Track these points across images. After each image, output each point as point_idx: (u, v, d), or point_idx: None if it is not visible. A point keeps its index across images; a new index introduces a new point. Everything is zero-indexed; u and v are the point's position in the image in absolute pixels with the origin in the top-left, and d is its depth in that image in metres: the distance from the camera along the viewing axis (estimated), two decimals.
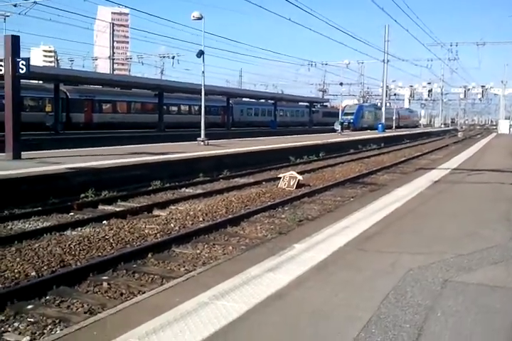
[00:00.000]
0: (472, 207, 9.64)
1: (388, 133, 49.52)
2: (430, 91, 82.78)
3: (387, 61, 55.41)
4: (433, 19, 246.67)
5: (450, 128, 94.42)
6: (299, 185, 14.48)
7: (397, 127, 65.87)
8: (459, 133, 67.76)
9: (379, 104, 74.83)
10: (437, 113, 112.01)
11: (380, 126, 54.21)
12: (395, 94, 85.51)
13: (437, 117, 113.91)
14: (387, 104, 63.93)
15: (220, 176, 17.07)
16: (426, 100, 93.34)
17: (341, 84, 54.63)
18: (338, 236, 6.96)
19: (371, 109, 70.01)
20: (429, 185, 12.56)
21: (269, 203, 11.92)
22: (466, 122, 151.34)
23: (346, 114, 61.63)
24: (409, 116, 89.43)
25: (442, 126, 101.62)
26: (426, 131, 70.55)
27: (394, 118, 64.57)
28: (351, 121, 61.24)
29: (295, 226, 9.05)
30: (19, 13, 24.41)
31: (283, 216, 10.65)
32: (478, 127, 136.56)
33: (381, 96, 63.88)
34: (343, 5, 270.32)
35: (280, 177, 14.93)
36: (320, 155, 25.50)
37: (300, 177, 14.77)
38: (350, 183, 16.12)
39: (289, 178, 14.57)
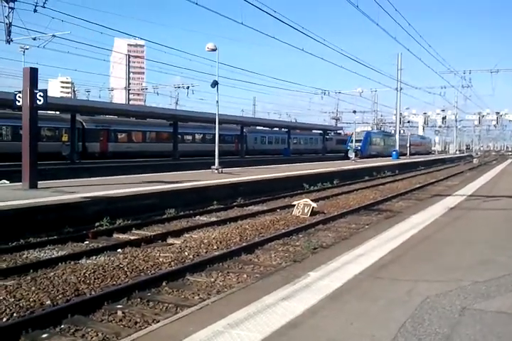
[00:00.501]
0: (488, 234, 9.53)
1: (403, 160, 49.36)
2: (444, 118, 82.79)
3: (401, 89, 55.66)
4: (445, 46, 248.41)
5: (465, 154, 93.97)
6: (314, 213, 14.42)
7: (403, 154, 65.16)
8: (474, 159, 67.41)
9: (393, 131, 74.67)
10: (452, 139, 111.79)
11: (394, 153, 54.09)
12: (408, 122, 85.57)
13: (452, 144, 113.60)
14: (401, 131, 63.24)
15: (234, 204, 17.06)
16: (440, 127, 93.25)
17: (354, 112, 55.08)
18: (354, 264, 6.90)
19: (379, 136, 69.03)
20: (445, 212, 12.46)
21: (284, 231, 11.89)
22: (481, 148, 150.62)
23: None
24: (420, 143, 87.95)
25: (457, 152, 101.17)
26: (441, 157, 70.24)
27: (408, 145, 64.11)
28: (359, 148, 59.14)
29: (310, 254, 8.98)
30: (38, 46, 24.99)
31: (297, 243, 10.59)
32: (493, 153, 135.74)
33: (395, 123, 63.85)
34: (355, 34, 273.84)
35: (294, 205, 14.91)
36: (334, 182, 25.44)
37: (314, 204, 14.73)
38: (365, 210, 16.03)
39: (303, 206, 14.53)
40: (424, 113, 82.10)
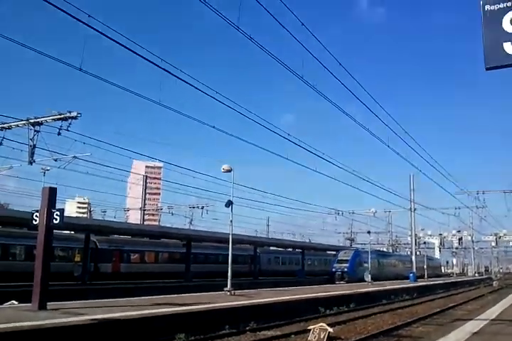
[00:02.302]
0: None
1: (420, 283, 48.02)
2: (460, 239, 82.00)
3: (414, 209, 55.78)
4: (457, 167, 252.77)
5: (484, 277, 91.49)
6: (330, 338, 13.83)
7: (406, 277, 55.70)
8: (494, 282, 65.43)
9: (408, 253, 73.07)
10: (469, 261, 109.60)
11: (411, 275, 52.34)
12: (424, 243, 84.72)
13: (470, 266, 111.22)
14: (413, 253, 60.53)
15: (247, 328, 16.42)
16: (457, 248, 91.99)
17: (369, 232, 54.18)
18: None
19: (372, 256, 55.72)
20: (468, 337, 11.88)
21: None
22: (501, 270, 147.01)
23: (340, 261, 53.22)
24: (428, 264, 72.58)
25: (476, 274, 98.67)
26: (459, 280, 68.32)
27: (424, 266, 62.11)
28: (345, 269, 51.47)
29: None
30: (59, 167, 25.73)
31: None
32: None
33: (410, 244, 62.91)
34: (369, 155, 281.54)
35: (310, 330, 14.31)
36: (351, 305, 24.65)
37: (330, 329, 14.15)
38: (384, 336, 15.34)
39: (319, 331, 13.95)
40: (440, 234, 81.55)
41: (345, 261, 52.49)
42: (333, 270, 52.45)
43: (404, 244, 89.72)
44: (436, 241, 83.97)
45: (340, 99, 21.40)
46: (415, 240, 60.57)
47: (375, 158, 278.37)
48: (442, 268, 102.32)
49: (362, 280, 46.93)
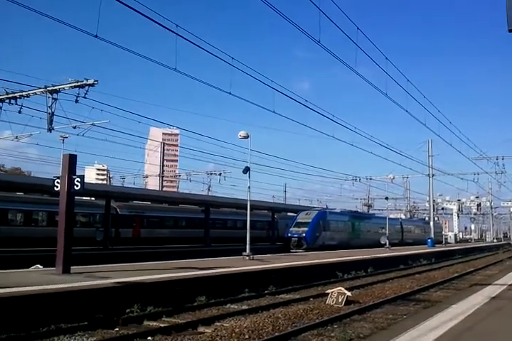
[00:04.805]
0: None
1: (438, 248, 48.17)
2: (479, 205, 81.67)
3: (433, 175, 55.39)
4: (477, 132, 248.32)
5: (503, 242, 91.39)
6: (348, 302, 13.98)
7: (396, 244, 49.90)
8: None
9: (427, 218, 72.75)
10: (488, 227, 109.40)
11: (429, 240, 52.12)
12: (442, 209, 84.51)
13: (488, 232, 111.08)
14: (431, 218, 59.66)
15: (266, 292, 16.71)
16: (475, 214, 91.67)
17: (386, 198, 53.92)
18: None
19: (339, 218, 49.21)
20: (486, 302, 11.97)
21: (317, 321, 11.47)
22: None
23: (299, 225, 43.90)
24: (423, 229, 66.27)
25: (494, 240, 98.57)
26: (477, 245, 68.35)
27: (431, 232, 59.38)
28: (303, 235, 42.29)
29: None
30: (77, 134, 25.86)
31: (332, 334, 10.17)
32: None
33: (428, 210, 62.61)
34: (385, 120, 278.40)
35: (328, 293, 14.50)
36: (368, 270, 24.86)
37: (349, 293, 14.31)
38: (402, 300, 15.45)
39: (337, 294, 14.12)
40: (458, 200, 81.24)
41: (305, 224, 43.26)
42: (288, 235, 43.52)
43: (422, 209, 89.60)
44: (454, 207, 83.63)
45: (358, 65, 21.00)
46: (433, 206, 60.28)
47: (394, 124, 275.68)
48: (460, 234, 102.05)
49: (325, 247, 40.40)
